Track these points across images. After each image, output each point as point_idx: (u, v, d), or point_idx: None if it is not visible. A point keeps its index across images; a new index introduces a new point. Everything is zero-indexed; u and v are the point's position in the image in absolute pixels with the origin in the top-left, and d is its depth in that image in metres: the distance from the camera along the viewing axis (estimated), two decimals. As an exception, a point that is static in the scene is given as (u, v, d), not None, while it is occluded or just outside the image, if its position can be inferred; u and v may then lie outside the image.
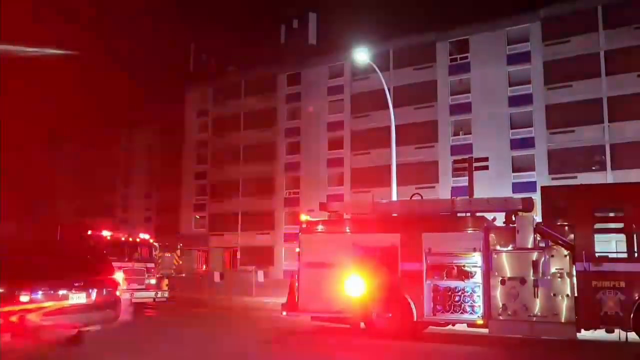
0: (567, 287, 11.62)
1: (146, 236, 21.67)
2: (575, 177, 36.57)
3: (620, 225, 12.45)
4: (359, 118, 48.74)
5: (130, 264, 19.80)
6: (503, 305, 11.96)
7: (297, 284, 13.89)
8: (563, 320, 11.59)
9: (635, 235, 11.52)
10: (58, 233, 20.03)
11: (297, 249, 14.29)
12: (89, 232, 19.52)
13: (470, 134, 44.50)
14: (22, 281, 10.31)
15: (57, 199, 67.30)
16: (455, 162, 31.85)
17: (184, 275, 40.88)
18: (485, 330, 12.36)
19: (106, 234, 19.84)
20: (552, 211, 12.20)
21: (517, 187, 38.84)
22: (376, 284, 13.09)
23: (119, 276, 13.89)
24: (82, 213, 64.40)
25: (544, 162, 41.35)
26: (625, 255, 11.93)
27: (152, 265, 20.85)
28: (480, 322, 12.25)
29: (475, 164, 26.76)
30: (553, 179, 38.29)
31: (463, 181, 29.79)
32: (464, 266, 12.59)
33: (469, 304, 12.37)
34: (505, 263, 12.12)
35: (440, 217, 13.65)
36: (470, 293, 12.39)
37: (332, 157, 50.70)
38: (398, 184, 22.88)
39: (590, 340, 12.19)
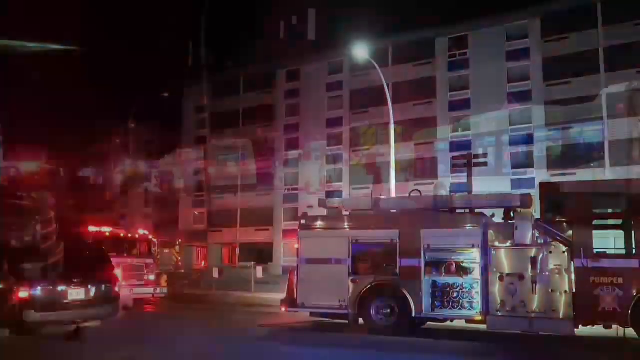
0: (566, 283, 11.64)
1: (145, 232, 21.70)
2: (574, 174, 36.63)
3: (618, 221, 12.49)
4: (358, 114, 48.70)
5: (129, 260, 19.79)
6: (501, 301, 11.98)
7: (296, 280, 13.91)
8: (561, 316, 11.61)
9: (633, 232, 11.54)
10: (57, 229, 19.99)
11: (296, 245, 14.31)
12: (88, 228, 19.50)
13: (469, 130, 44.50)
14: (21, 277, 10.32)
15: (56, 195, 67.15)
16: (454, 158, 31.85)
17: (182, 271, 40.91)
18: (483, 326, 12.39)
19: (105, 230, 19.85)
20: (550, 207, 12.21)
21: (515, 184, 38.79)
22: (375, 280, 13.10)
23: (117, 272, 13.92)
24: (81, 209, 64.28)
25: (543, 159, 41.33)
26: (623, 252, 11.97)
27: (151, 261, 20.85)
28: (478, 318, 12.29)
29: (474, 160, 26.81)
30: (552, 175, 38.25)
31: (462, 177, 29.76)
32: (462, 262, 12.63)
33: (467, 300, 12.41)
34: (504, 259, 12.13)
35: (439, 213, 13.67)
36: (469, 289, 12.42)
37: (331, 153, 50.68)
38: (397, 180, 22.89)
39: (588, 336, 12.22)
